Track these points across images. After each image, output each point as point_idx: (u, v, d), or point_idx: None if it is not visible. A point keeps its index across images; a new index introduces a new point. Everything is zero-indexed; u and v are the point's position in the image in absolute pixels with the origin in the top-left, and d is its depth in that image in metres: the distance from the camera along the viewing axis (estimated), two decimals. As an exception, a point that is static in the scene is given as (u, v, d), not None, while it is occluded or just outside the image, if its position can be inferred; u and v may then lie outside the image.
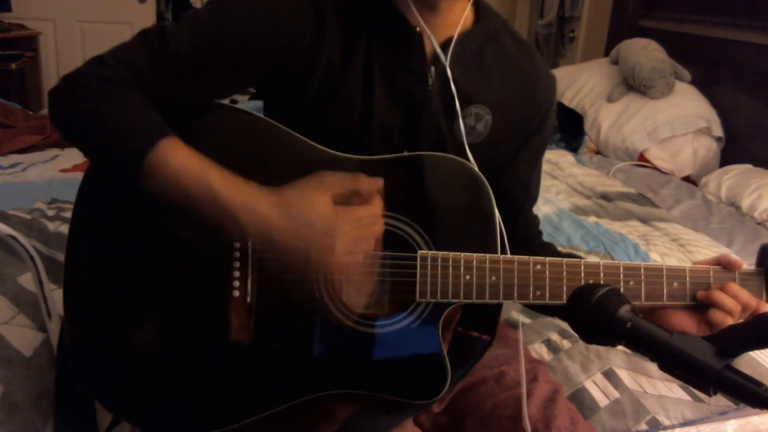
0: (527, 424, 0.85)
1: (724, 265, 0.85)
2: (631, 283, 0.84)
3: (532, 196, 1.03)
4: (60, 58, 4.02)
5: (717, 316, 0.82)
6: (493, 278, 0.83)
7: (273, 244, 0.74)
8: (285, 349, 0.85)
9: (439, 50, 0.87)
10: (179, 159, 0.75)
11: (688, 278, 0.85)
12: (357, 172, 0.82)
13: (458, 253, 0.83)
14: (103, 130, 0.77)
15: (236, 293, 0.84)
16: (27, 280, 1.24)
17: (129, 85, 0.79)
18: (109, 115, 0.77)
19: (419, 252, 0.83)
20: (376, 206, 0.77)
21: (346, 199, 0.76)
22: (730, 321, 0.81)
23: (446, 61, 0.87)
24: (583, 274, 0.83)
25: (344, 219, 0.74)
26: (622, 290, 0.82)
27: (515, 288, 0.83)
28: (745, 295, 0.82)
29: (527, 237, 1.02)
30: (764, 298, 0.86)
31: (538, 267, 0.83)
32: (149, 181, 0.75)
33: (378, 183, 0.78)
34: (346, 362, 0.85)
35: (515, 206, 0.99)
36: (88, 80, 0.79)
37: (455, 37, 0.87)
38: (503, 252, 0.85)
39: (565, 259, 0.83)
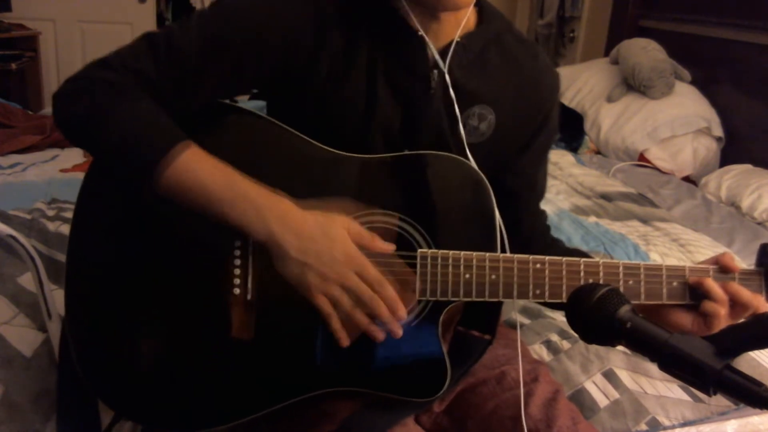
0: (524, 425, 0.86)
1: (721, 265, 0.85)
2: (631, 282, 0.84)
3: (538, 192, 1.03)
4: (60, 58, 4.02)
5: (708, 306, 0.81)
6: (493, 277, 0.83)
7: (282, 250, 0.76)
8: (285, 347, 0.85)
9: (437, 57, 0.87)
10: (202, 164, 0.77)
11: (687, 277, 0.84)
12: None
13: (458, 252, 0.83)
14: (114, 135, 0.77)
15: (237, 291, 0.84)
16: (27, 280, 1.24)
17: (135, 89, 0.79)
18: (119, 119, 0.77)
19: (419, 250, 0.83)
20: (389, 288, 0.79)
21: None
22: (722, 312, 0.81)
23: (445, 67, 0.87)
24: (582, 273, 0.83)
25: (361, 265, 0.77)
26: (621, 289, 0.82)
27: (515, 286, 0.83)
28: (746, 294, 0.82)
29: (535, 233, 1.02)
30: (764, 297, 0.85)
31: (538, 266, 0.83)
32: (165, 186, 0.76)
33: (390, 247, 0.80)
34: (345, 360, 0.85)
35: (522, 202, 0.99)
36: (93, 84, 0.79)
37: (456, 40, 0.87)
38: (503, 251, 0.86)
39: (564, 258, 0.83)
